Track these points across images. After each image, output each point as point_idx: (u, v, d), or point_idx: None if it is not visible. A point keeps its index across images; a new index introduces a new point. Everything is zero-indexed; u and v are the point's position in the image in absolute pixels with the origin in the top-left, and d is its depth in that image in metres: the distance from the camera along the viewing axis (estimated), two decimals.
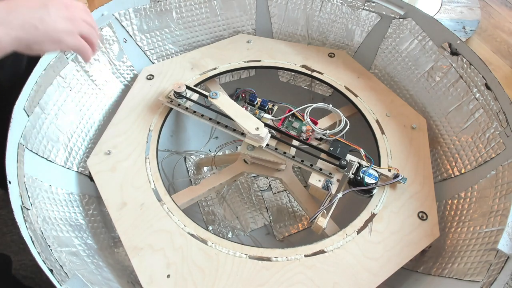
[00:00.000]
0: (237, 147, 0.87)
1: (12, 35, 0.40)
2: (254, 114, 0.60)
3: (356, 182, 0.55)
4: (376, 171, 0.55)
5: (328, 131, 0.59)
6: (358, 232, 0.52)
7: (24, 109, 0.52)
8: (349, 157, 0.57)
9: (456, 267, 0.50)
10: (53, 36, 0.44)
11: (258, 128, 0.55)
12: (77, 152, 0.61)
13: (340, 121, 0.60)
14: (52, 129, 0.57)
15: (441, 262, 0.53)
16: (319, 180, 0.55)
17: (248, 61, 0.72)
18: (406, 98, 0.71)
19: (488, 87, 0.59)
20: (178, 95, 0.62)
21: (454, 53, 0.64)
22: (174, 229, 0.51)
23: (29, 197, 0.48)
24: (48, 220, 0.50)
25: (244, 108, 0.59)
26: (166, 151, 0.80)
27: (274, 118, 0.61)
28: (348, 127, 0.59)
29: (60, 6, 0.44)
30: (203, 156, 0.86)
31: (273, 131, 0.60)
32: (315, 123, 0.60)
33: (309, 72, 0.71)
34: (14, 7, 0.41)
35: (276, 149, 0.58)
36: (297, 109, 0.61)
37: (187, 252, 0.49)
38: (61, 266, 0.44)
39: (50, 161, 0.56)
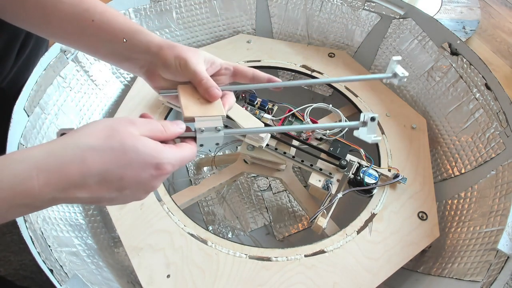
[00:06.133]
0: (237, 147, 0.87)
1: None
2: (254, 114, 0.60)
3: (356, 182, 0.55)
4: (376, 171, 0.55)
5: (328, 131, 0.59)
6: (358, 232, 0.52)
7: (24, 109, 0.52)
8: (349, 157, 0.57)
9: (456, 267, 0.50)
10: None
11: None
12: None
13: (340, 121, 0.60)
14: (52, 129, 0.57)
15: (441, 262, 0.53)
16: (319, 180, 0.55)
17: (248, 61, 0.72)
18: (406, 98, 0.71)
19: (488, 87, 0.59)
20: None
21: (454, 53, 0.64)
22: (174, 229, 0.51)
23: None
24: (48, 220, 0.50)
25: (244, 108, 0.59)
26: None
27: (274, 118, 0.61)
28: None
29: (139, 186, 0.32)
30: (203, 156, 0.86)
31: None
32: (315, 123, 0.60)
33: (309, 72, 0.71)
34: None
35: (276, 149, 0.58)
36: (297, 109, 0.61)
37: (187, 252, 0.49)
38: (61, 266, 0.44)
39: None
